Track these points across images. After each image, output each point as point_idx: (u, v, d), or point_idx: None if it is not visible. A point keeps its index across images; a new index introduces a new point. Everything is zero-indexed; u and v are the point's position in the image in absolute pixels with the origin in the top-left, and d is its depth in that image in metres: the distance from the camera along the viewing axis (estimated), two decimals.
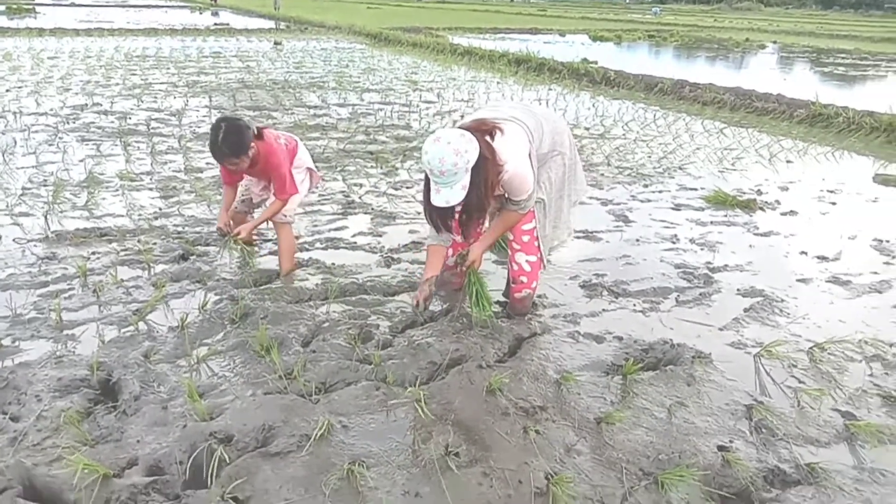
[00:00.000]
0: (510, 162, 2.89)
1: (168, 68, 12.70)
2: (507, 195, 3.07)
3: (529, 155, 3.01)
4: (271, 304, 3.40)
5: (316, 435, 2.39)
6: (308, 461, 2.30)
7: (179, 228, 4.50)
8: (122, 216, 4.69)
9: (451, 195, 2.78)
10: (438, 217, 3.01)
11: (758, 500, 2.28)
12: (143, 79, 11.24)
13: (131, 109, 8.55)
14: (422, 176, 5.96)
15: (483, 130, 2.86)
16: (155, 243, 4.22)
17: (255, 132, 3.50)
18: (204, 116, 8.29)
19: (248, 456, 2.31)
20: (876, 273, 4.30)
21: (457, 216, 3.04)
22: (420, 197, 5.39)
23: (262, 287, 3.67)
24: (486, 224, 3.35)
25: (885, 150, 8.16)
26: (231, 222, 3.84)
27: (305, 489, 2.18)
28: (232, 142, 3.35)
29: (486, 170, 2.80)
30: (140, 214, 4.73)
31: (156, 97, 9.49)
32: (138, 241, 4.23)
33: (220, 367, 2.90)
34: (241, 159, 3.42)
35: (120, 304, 3.42)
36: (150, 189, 5.34)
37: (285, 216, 3.79)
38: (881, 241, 4.89)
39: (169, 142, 6.91)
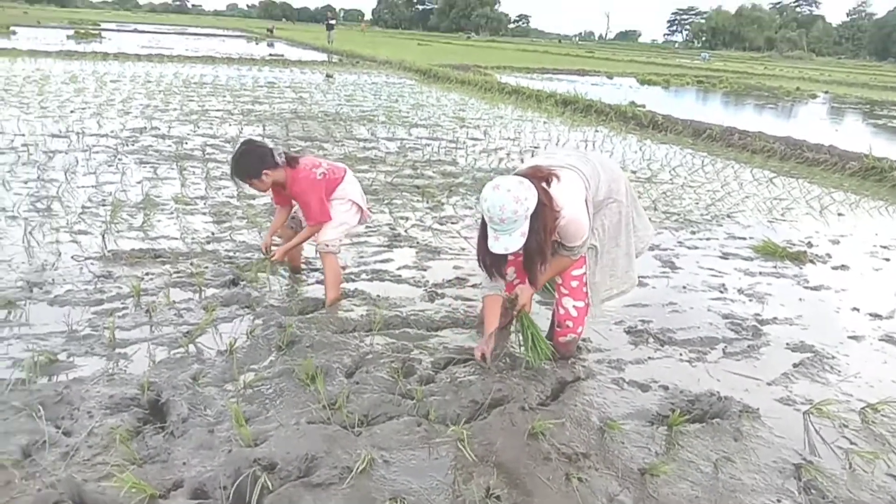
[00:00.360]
0: (566, 208, 2.90)
1: (224, 96, 13.10)
2: (560, 241, 3.07)
3: (586, 201, 3.02)
4: (317, 333, 3.45)
5: (358, 468, 2.40)
6: (349, 494, 2.30)
7: (231, 253, 4.60)
8: (176, 239, 4.82)
9: (510, 242, 2.78)
10: (493, 263, 3.02)
11: None
12: (199, 105, 11.61)
13: (188, 135, 8.83)
14: (467, 212, 6.06)
15: (540, 177, 2.88)
16: (206, 267, 4.33)
17: (285, 160, 3.70)
18: None
19: (291, 485, 2.33)
20: None
21: (513, 258, 3.04)
22: (464, 233, 5.46)
23: (308, 315, 3.72)
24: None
25: None
26: (272, 245, 4.02)
27: None
28: (242, 164, 3.64)
29: (544, 216, 2.80)
30: (193, 238, 4.85)
31: (211, 124, 9.79)
32: (191, 264, 4.34)
33: (266, 393, 2.94)
34: (253, 182, 3.66)
35: (171, 325, 3.51)
36: (204, 213, 5.49)
37: (328, 246, 3.86)
38: None
39: (223, 168, 7.10)
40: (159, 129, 9.03)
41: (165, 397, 2.80)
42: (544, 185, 2.87)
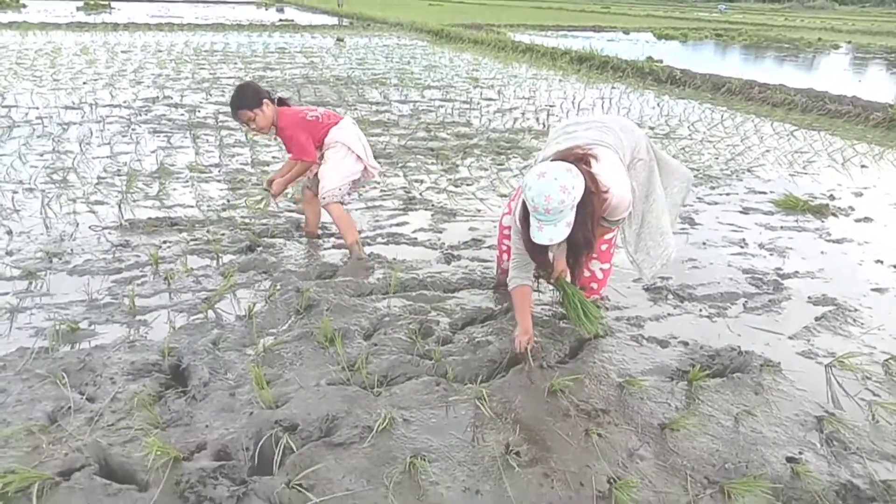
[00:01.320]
0: (613, 187, 2.73)
1: (235, 63, 13.02)
2: (605, 216, 2.88)
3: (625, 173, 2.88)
4: (334, 297, 3.45)
5: (378, 427, 2.42)
6: (370, 453, 2.33)
7: (247, 220, 4.61)
8: (192, 207, 4.83)
9: (555, 233, 2.57)
10: (535, 250, 2.83)
11: None
12: (211, 73, 11.55)
13: (200, 103, 8.80)
14: (482, 173, 6.01)
15: (578, 159, 2.67)
16: (223, 234, 4.34)
17: (278, 101, 3.88)
18: None
19: (312, 445, 2.35)
20: None
21: (554, 256, 2.91)
22: (480, 195, 5.41)
23: (325, 280, 3.73)
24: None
25: None
26: (274, 183, 4.08)
27: (368, 480, 2.20)
28: (242, 96, 3.78)
29: (592, 205, 2.61)
30: (209, 205, 4.86)
31: (224, 91, 9.73)
32: (207, 232, 4.35)
33: (285, 356, 2.96)
34: (255, 113, 3.76)
35: (190, 292, 3.53)
36: (219, 181, 5.49)
37: (325, 198, 3.95)
38: None
39: (236, 135, 7.08)
40: (171, 98, 9.01)
41: (186, 362, 2.83)
42: (585, 166, 2.66)
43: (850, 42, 26.48)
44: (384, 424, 2.43)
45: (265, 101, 3.77)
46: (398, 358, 2.93)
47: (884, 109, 9.42)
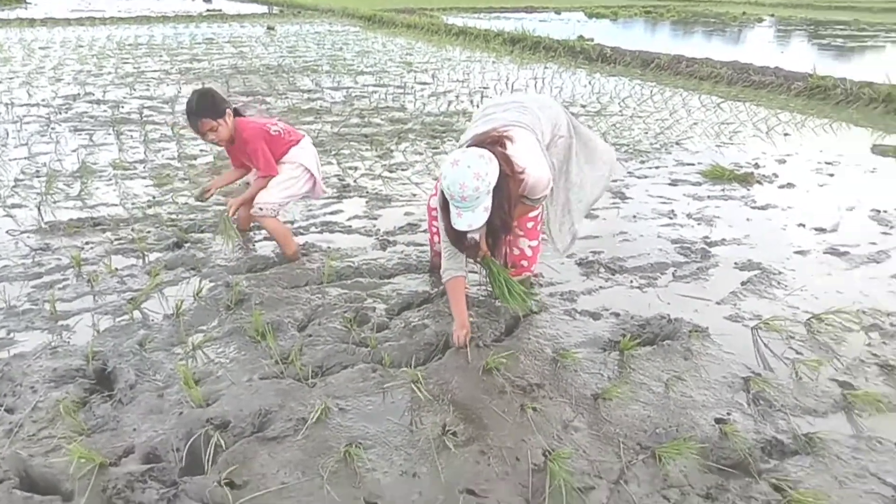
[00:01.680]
0: (529, 167, 2.75)
1: (160, 56, 12.61)
2: (525, 195, 2.91)
3: (542, 152, 2.91)
4: (266, 290, 3.39)
5: (312, 418, 2.39)
6: (305, 445, 2.30)
7: (173, 216, 4.47)
8: (116, 205, 4.66)
9: (473, 219, 2.61)
10: (458, 238, 2.84)
11: (756, 471, 2.27)
12: (135, 67, 11.16)
13: (124, 98, 8.50)
14: (417, 158, 5.98)
15: (493, 142, 2.71)
16: (149, 231, 4.20)
17: (234, 111, 3.64)
18: None
19: (245, 441, 2.31)
20: (874, 244, 4.27)
21: (481, 239, 2.92)
22: (415, 179, 5.39)
23: (257, 273, 3.66)
24: None
25: (883, 121, 8.11)
26: (212, 191, 3.91)
27: (303, 472, 2.17)
28: (203, 103, 3.51)
29: (507, 188, 2.64)
30: (134, 203, 4.70)
31: (148, 85, 9.43)
32: (132, 230, 4.21)
33: (216, 353, 2.89)
34: (218, 122, 3.52)
35: (114, 293, 3.41)
36: (144, 177, 5.31)
37: (261, 209, 3.69)
38: (879, 211, 4.86)
39: (162, 129, 6.87)
40: (93, 95, 8.67)
41: (112, 366, 2.74)
42: (500, 149, 2.70)
43: (772, 15, 27.31)
44: (318, 415, 2.40)
45: (228, 110, 3.56)
46: (333, 347, 2.90)
47: (804, 79, 9.76)
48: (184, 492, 2.08)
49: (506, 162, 2.64)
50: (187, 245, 4.00)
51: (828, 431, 2.45)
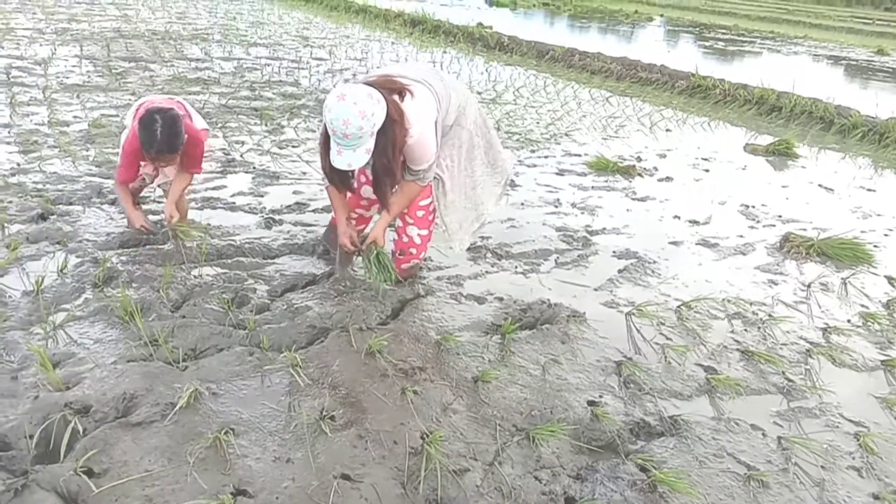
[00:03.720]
0: (416, 126, 2.73)
1: (34, 13, 11.65)
2: (405, 162, 2.90)
3: (436, 123, 2.89)
4: (138, 268, 3.21)
5: (182, 403, 2.28)
6: (172, 430, 2.19)
7: (39, 186, 4.14)
8: None
9: (353, 158, 2.58)
10: (338, 178, 2.85)
11: (624, 451, 2.37)
12: (3, 23, 10.24)
13: None
14: (309, 135, 5.83)
15: (392, 89, 2.68)
16: (11, 201, 3.86)
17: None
18: (73, 66, 7.66)
19: (107, 427, 2.17)
20: (741, 236, 4.57)
21: (367, 180, 2.89)
22: (306, 157, 5.25)
23: (129, 249, 3.45)
24: None
25: (755, 122, 8.69)
26: (175, 216, 3.45)
27: (168, 459, 2.07)
28: (176, 133, 3.12)
29: (393, 133, 2.62)
30: None
31: (18, 44, 8.68)
32: None
33: (79, 334, 2.70)
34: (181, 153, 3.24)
35: None
36: (8, 143, 4.88)
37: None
38: (748, 206, 5.20)
39: (32, 92, 6.34)
40: None
41: None
42: (396, 97, 2.67)
43: (662, 15, 28.57)
44: (188, 399, 2.30)
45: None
46: (208, 329, 2.78)
47: (687, 78, 10.28)
48: (34, 481, 1.93)
49: (395, 109, 2.63)
50: (53, 217, 3.71)
51: (691, 414, 2.60)
